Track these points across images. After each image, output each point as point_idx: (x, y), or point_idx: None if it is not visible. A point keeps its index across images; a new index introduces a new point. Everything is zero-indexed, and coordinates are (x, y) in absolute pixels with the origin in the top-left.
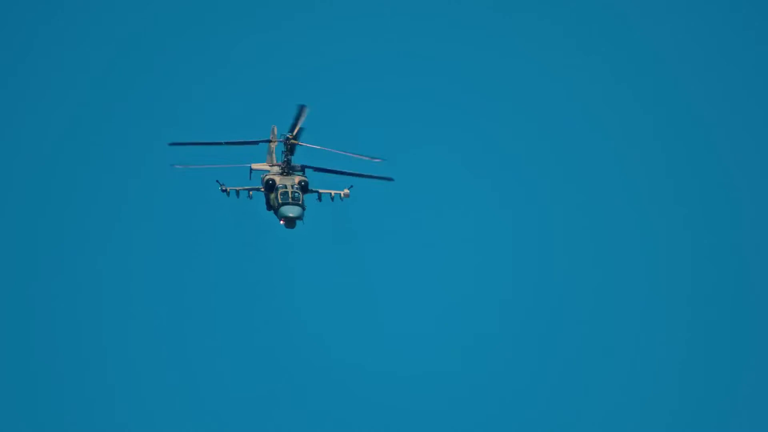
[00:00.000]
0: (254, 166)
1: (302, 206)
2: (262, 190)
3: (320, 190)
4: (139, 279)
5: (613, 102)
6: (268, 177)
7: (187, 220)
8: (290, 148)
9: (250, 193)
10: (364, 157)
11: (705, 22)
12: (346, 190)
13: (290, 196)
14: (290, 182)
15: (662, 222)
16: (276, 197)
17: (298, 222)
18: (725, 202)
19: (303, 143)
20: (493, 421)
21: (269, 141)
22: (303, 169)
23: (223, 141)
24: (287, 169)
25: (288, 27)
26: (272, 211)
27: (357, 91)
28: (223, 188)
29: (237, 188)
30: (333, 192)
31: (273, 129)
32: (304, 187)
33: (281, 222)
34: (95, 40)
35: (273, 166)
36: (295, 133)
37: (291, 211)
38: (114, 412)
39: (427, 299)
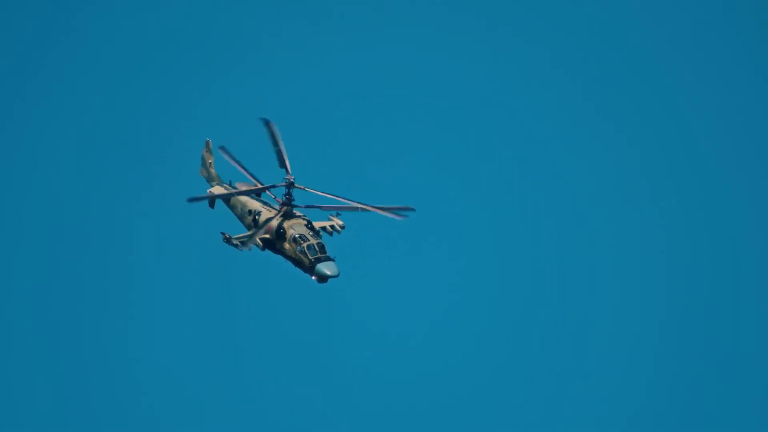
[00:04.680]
0: (217, 192)
1: (334, 258)
2: (266, 234)
3: (316, 225)
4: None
5: (608, 106)
6: (275, 224)
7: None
8: (290, 189)
9: (259, 241)
10: (393, 210)
11: (699, 24)
12: (338, 221)
13: (317, 248)
14: (301, 229)
15: (656, 224)
16: (303, 251)
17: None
18: (719, 204)
19: (312, 190)
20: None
21: (268, 187)
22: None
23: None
24: (288, 213)
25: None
26: (281, 256)
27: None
28: (234, 241)
29: (243, 237)
30: (328, 225)
31: (208, 143)
32: (313, 229)
33: (313, 278)
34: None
35: (264, 206)
36: (287, 167)
37: (329, 269)
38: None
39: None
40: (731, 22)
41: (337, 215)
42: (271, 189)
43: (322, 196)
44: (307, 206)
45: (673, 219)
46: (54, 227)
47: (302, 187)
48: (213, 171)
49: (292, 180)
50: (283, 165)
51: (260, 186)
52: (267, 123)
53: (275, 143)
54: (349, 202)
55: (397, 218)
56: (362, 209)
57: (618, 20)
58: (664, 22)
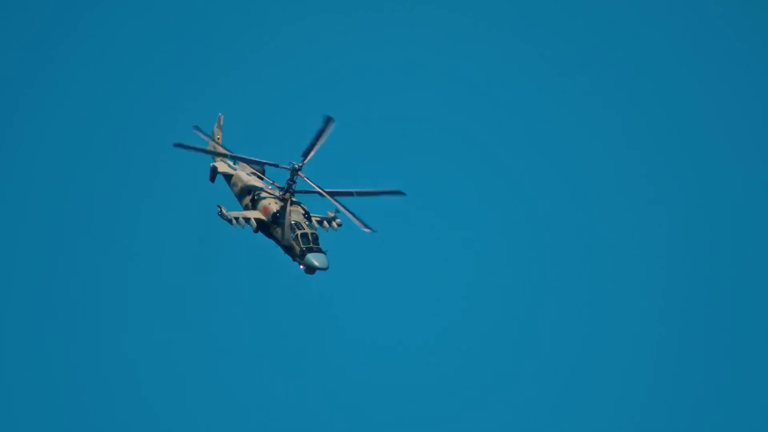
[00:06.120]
0: (219, 168)
1: (325, 251)
2: (261, 215)
3: (313, 218)
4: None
5: (609, 108)
6: (274, 208)
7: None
8: (294, 177)
9: (253, 220)
10: (383, 193)
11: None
12: (338, 220)
13: (311, 238)
14: (297, 216)
15: (654, 226)
16: (296, 239)
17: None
18: (717, 205)
19: (313, 184)
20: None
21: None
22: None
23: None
24: (286, 197)
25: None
26: (274, 241)
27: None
28: (228, 216)
29: (238, 213)
30: (325, 219)
31: (219, 118)
32: (310, 219)
33: (301, 267)
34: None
35: (267, 188)
36: (308, 157)
37: (319, 260)
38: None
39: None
40: (734, 22)
41: (337, 212)
42: (274, 167)
43: (322, 191)
44: (308, 191)
45: (676, 216)
46: (56, 200)
47: (305, 177)
48: (220, 147)
49: (297, 167)
50: (306, 153)
51: (264, 161)
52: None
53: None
54: (346, 193)
55: (366, 230)
56: (357, 194)
57: (622, 21)
58: (672, 22)
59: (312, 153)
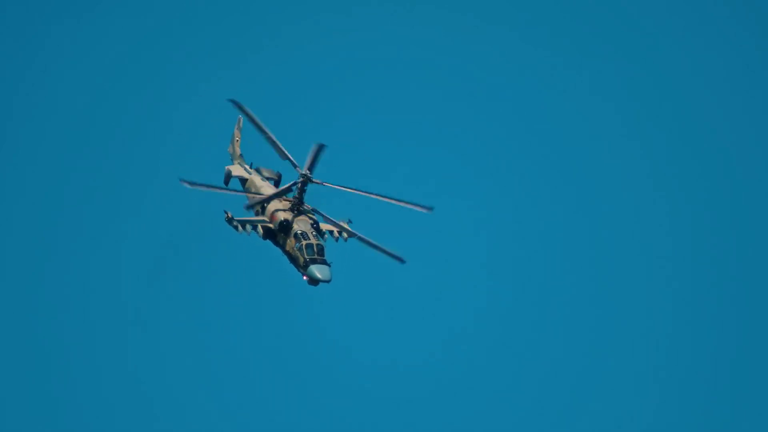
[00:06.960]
0: (234, 172)
1: (329, 263)
2: (269, 223)
3: (323, 227)
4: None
5: (611, 106)
6: (281, 216)
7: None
8: (304, 185)
9: (260, 227)
10: (411, 206)
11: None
12: (348, 228)
13: (316, 250)
14: (305, 227)
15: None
16: (301, 249)
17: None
18: (722, 200)
19: (328, 183)
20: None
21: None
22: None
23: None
24: (297, 208)
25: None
26: (279, 249)
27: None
28: (235, 223)
29: (245, 220)
30: (336, 229)
31: (239, 120)
32: (318, 230)
33: (304, 278)
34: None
35: (281, 201)
36: (311, 170)
37: (321, 272)
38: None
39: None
40: (738, 18)
41: (349, 222)
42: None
43: (339, 189)
44: (314, 209)
45: (681, 215)
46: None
47: (318, 181)
48: (238, 149)
49: (308, 176)
50: (310, 167)
51: (278, 190)
52: (321, 147)
53: (316, 158)
54: (369, 194)
55: (424, 210)
56: (360, 239)
57: (625, 17)
58: (677, 18)
59: (284, 149)
